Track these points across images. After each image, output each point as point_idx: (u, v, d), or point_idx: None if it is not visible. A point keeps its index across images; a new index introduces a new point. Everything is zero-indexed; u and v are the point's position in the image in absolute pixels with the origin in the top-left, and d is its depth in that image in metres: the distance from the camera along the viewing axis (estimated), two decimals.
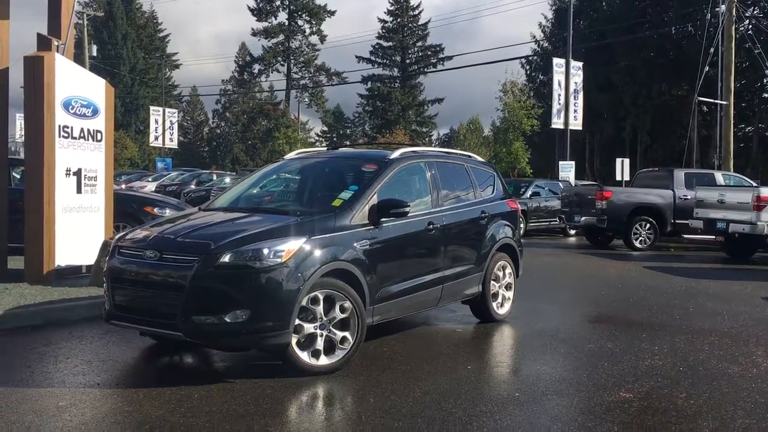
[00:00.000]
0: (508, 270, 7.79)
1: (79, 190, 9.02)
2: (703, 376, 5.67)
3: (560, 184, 21.64)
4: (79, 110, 9.00)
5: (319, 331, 5.41)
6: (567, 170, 25.14)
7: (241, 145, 69.52)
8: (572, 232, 20.88)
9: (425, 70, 72.37)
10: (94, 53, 50.70)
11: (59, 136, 8.66)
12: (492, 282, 7.50)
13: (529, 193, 20.50)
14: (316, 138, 77.91)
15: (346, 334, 5.53)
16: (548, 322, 7.73)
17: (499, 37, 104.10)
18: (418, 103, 74.64)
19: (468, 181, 7.48)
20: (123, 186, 27.90)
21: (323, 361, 5.44)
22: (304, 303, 5.29)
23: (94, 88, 9.29)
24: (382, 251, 5.96)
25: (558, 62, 26.48)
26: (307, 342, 5.38)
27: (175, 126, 43.63)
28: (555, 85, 26.27)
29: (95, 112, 9.27)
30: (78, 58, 49.60)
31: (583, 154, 44.41)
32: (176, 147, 48.70)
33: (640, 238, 16.92)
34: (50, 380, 5.20)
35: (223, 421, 4.37)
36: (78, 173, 8.99)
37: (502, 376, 5.73)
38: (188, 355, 6.03)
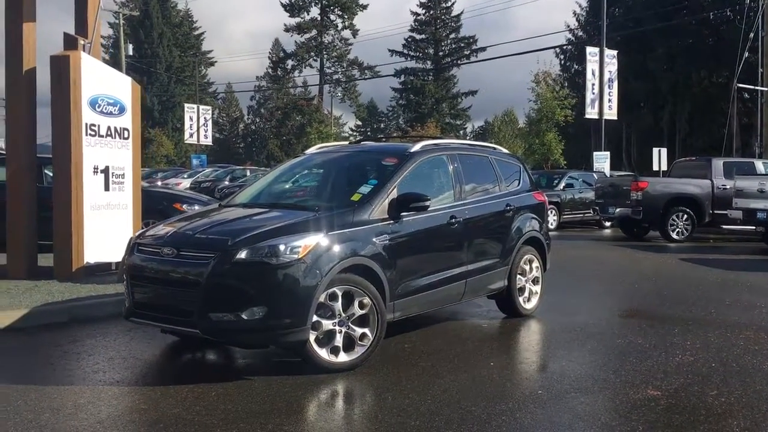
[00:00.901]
0: (535, 264, 7.64)
1: (107, 188, 9.08)
2: (736, 372, 5.47)
3: (594, 175, 21.27)
4: (106, 108, 9.05)
5: (337, 328, 5.34)
6: (602, 161, 24.73)
7: (276, 141, 69.78)
8: (607, 224, 20.53)
9: (458, 62, 71.97)
10: (130, 52, 51.35)
11: (86, 134, 8.72)
12: (518, 276, 7.36)
13: (562, 184, 20.19)
14: (351, 132, 77.99)
15: (366, 330, 5.46)
16: (577, 317, 7.56)
17: (532, 28, 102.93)
18: (451, 96, 74.25)
19: (492, 173, 7.34)
20: (159, 183, 28.25)
21: (342, 358, 5.37)
22: (322, 299, 5.23)
23: (120, 86, 9.33)
24: (402, 246, 5.87)
25: (591, 51, 26.02)
26: (326, 339, 5.32)
27: (209, 123, 44.00)
28: (588, 75, 25.82)
29: (122, 110, 9.32)
30: (115, 58, 50.46)
31: (620, 145, 43.72)
32: (211, 144, 49.13)
33: (677, 230, 16.54)
34: (71, 377, 5.23)
35: (238, 419, 4.33)
36: (105, 171, 9.05)
37: (525, 372, 5.59)
38: (209, 353, 6.01)
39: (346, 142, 8.13)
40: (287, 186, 6.83)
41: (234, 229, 5.42)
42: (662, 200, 16.52)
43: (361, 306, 5.44)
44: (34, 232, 8.92)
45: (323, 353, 5.29)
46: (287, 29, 64.50)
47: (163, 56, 69.76)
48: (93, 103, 8.87)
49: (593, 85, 25.61)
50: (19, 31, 8.64)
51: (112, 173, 9.16)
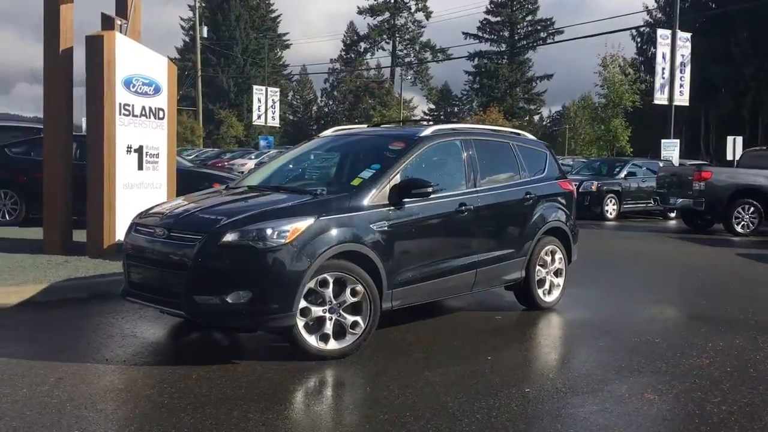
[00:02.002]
0: (558, 255, 7.33)
1: (140, 167, 9.22)
2: (750, 379, 5.10)
3: (660, 163, 20.44)
4: (141, 88, 9.17)
5: (328, 315, 5.23)
6: (671, 149, 23.72)
7: (348, 124, 70.21)
8: (672, 215, 19.72)
9: (534, 44, 70.53)
10: (205, 34, 52.36)
11: (120, 114, 8.86)
12: (538, 267, 7.08)
13: (623, 173, 19.48)
14: (423, 116, 77.58)
15: (358, 318, 5.33)
16: (600, 312, 7.25)
17: (612, 8, 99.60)
18: (525, 80, 73.08)
19: (513, 160, 7.07)
20: (226, 164, 28.77)
21: (332, 345, 5.26)
22: (312, 285, 5.14)
23: (156, 67, 9.44)
24: (403, 233, 5.71)
25: (663, 33, 24.88)
26: (316, 326, 5.22)
27: (277, 105, 44.45)
28: (659, 58, 24.70)
29: (157, 90, 9.43)
30: (193, 40, 51.41)
31: (697, 133, 41.98)
32: (278, 125, 49.70)
33: (743, 223, 15.70)
34: (65, 354, 5.26)
35: (208, 404, 4.29)
36: (139, 150, 9.18)
37: (519, 369, 5.32)
38: (209, 335, 6.00)
39: (364, 126, 7.95)
40: (294, 169, 6.75)
41: (225, 212, 5.36)
42: (727, 191, 15.69)
43: (354, 293, 5.31)
44: (69, 209, 9.14)
45: (312, 340, 5.20)
46: (360, 11, 64.57)
47: (240, 39, 70.84)
48: (127, 83, 8.99)
49: (663, 69, 24.51)
50: (56, 10, 8.82)
51: (146, 153, 9.29)
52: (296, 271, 5.01)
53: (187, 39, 68.09)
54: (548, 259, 7.22)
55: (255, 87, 45.13)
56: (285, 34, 78.28)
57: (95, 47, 8.67)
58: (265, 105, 41.69)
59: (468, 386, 4.77)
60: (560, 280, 7.39)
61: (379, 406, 4.39)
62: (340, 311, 5.28)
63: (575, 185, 18.43)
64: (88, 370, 4.88)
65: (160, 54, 9.72)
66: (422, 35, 67.13)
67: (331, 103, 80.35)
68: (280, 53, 77.04)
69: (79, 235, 9.24)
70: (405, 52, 67.92)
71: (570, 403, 4.52)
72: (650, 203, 19.20)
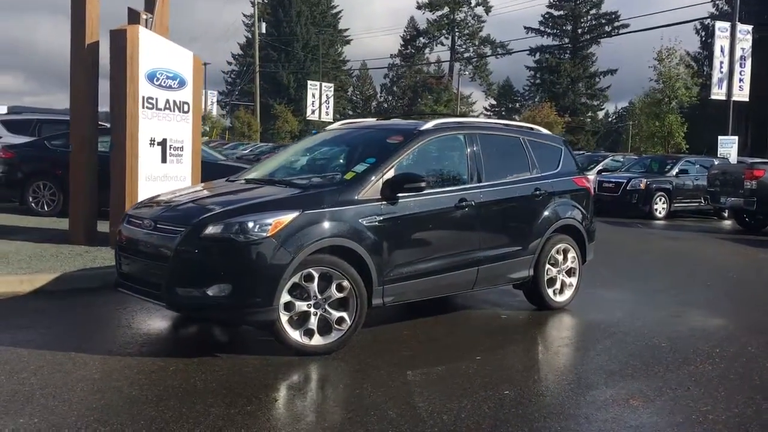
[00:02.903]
0: (571, 254, 7.09)
1: (164, 160, 9.32)
2: (750, 387, 4.82)
3: (715, 161, 19.67)
4: (165, 82, 9.27)
5: (312, 310, 5.16)
6: (728, 146, 22.78)
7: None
8: (726, 214, 18.96)
9: (598, 38, 68.95)
10: (264, 30, 53.00)
11: (143, 107, 8.96)
12: (548, 266, 6.86)
13: (675, 170, 18.80)
14: (485, 112, 76.79)
15: (344, 314, 5.25)
16: (613, 313, 6.97)
17: (678, 1, 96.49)
18: (588, 75, 71.47)
19: (523, 155, 6.86)
20: None
21: (317, 341, 5.19)
22: (296, 280, 5.08)
23: (181, 61, 9.52)
24: (395, 228, 5.59)
25: (721, 26, 23.90)
26: (300, 320, 5.16)
27: (331, 100, 44.68)
28: (717, 51, 23.73)
29: (182, 84, 9.52)
30: (254, 36, 52.11)
31: (763, 130, 40.25)
32: (331, 120, 50.00)
33: None
34: (54, 342, 5.31)
35: (173, 397, 4.27)
36: (163, 143, 9.28)
37: (506, 370, 5.09)
38: (206, 328, 5.98)
39: (373, 119, 7.85)
40: (296, 162, 6.70)
41: (210, 205, 5.36)
42: None
43: (340, 289, 5.23)
44: (93, 200, 9.33)
45: (296, 335, 5.14)
46: (419, 6, 64.27)
47: (300, 34, 71.41)
48: (151, 77, 9.10)
49: (722, 63, 23.56)
50: (82, 4, 8.99)
51: (170, 146, 9.39)
52: (277, 265, 4.95)
53: (249, 35, 68.95)
54: (560, 257, 6.99)
55: (309, 82, 45.50)
56: (345, 30, 78.56)
57: (118, 41, 8.80)
58: (319, 100, 41.96)
59: (446, 386, 4.64)
60: (573, 280, 7.14)
61: (346, 404, 4.31)
62: (326, 306, 5.21)
63: (622, 182, 18.16)
64: (70, 359, 4.92)
65: (188, 49, 9.79)
66: (482, 30, 66.43)
67: (390, 98, 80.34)
68: (340, 49, 77.36)
69: (106, 226, 9.42)
70: (464, 47, 67.32)
71: (546, 407, 4.35)
72: (702, 202, 18.52)
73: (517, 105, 78.99)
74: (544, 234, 6.76)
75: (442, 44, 66.68)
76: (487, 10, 65.26)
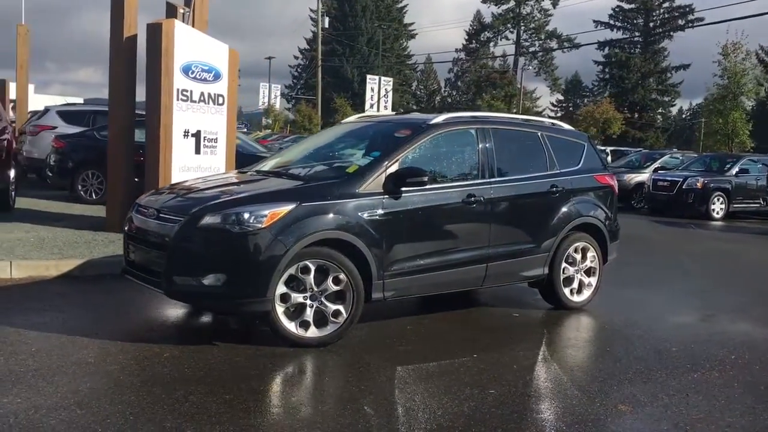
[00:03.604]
0: (591, 253, 6.91)
1: (197, 151, 9.49)
2: (754, 397, 4.61)
3: None
4: (200, 75, 9.43)
5: (309, 302, 5.18)
6: None
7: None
8: None
9: (671, 32, 66.84)
10: (326, 25, 53.38)
11: (177, 99, 9.14)
12: (565, 265, 6.70)
13: (735, 169, 18.10)
14: (551, 108, 75.58)
15: (340, 307, 5.25)
16: (632, 315, 6.76)
17: None
18: (659, 70, 69.39)
19: (540, 151, 6.71)
20: None
21: (312, 333, 5.21)
22: (293, 272, 5.11)
23: (216, 54, 9.66)
24: (397, 223, 5.55)
25: None
26: (296, 312, 5.19)
27: (390, 94, 44.70)
28: None
29: (217, 76, 9.67)
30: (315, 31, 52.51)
31: None
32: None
33: None
34: (63, 326, 5.45)
35: (160, 383, 4.35)
36: (197, 135, 9.45)
37: (499, 369, 4.93)
38: (213, 317, 6.06)
39: (391, 112, 7.81)
40: (308, 154, 6.69)
41: (211, 195, 5.43)
42: None
43: (336, 282, 5.23)
44: (130, 189, 9.57)
45: (291, 326, 5.17)
46: (484, 0, 63.57)
47: (365, 29, 71.64)
48: (186, 70, 9.27)
49: None
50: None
51: (204, 137, 9.55)
52: (272, 256, 4.98)
53: (315, 30, 69.64)
54: (578, 256, 6.82)
55: (368, 77, 45.65)
56: (411, 24, 78.42)
57: (154, 35, 8.99)
58: (378, 94, 42.08)
59: (432, 383, 4.59)
60: (592, 280, 6.96)
61: (324, 397, 4.33)
62: (322, 299, 5.22)
63: (678, 181, 17.58)
64: (72, 342, 5.07)
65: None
66: (548, 24, 65.28)
67: (454, 93, 79.89)
68: (405, 43, 77.27)
69: None
70: (529, 41, 66.33)
71: (528, 409, 4.26)
72: (762, 203, 17.80)
73: (585, 101, 77.41)
74: (560, 232, 6.61)
75: (507, 38, 65.91)
76: (554, 3, 64.13)
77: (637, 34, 69.92)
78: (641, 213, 18.80)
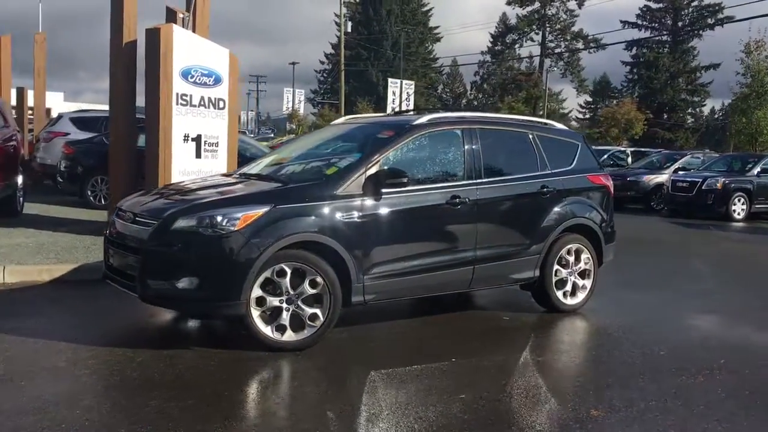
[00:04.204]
0: (585, 255, 6.75)
1: (198, 155, 9.49)
2: (736, 405, 4.44)
3: None
4: (200, 79, 9.43)
5: (285, 305, 5.12)
6: None
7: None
8: None
9: (700, 30, 65.83)
10: (349, 29, 53.50)
11: (177, 104, 9.15)
12: (557, 267, 6.56)
13: (757, 169, 17.67)
14: (579, 109, 74.84)
15: (317, 311, 5.18)
16: (628, 318, 6.60)
17: None
18: (689, 70, 68.32)
19: (530, 151, 6.58)
20: None
21: (289, 337, 5.14)
22: (268, 275, 5.05)
23: (216, 58, 9.66)
24: (377, 225, 5.47)
25: None
26: (273, 316, 5.13)
27: (412, 97, 44.61)
28: None
29: (217, 81, 9.66)
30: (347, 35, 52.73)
31: None
32: None
33: None
34: (43, 330, 5.43)
35: (124, 388, 4.33)
36: (197, 139, 9.44)
37: (474, 375, 4.81)
38: (195, 321, 6.01)
39: (379, 114, 7.73)
40: (294, 157, 6.64)
41: (187, 198, 5.40)
42: None
43: (313, 285, 5.16)
44: (131, 192, 9.60)
45: (267, 330, 5.11)
46: (509, 2, 63.18)
47: (390, 33, 71.70)
48: (185, 74, 9.28)
49: None
50: (120, 5, 9.27)
51: (205, 141, 9.55)
52: (245, 259, 4.93)
53: (338, 34, 69.92)
54: (571, 258, 6.67)
55: (390, 80, 45.61)
56: (436, 28, 78.32)
57: (153, 40, 9.02)
58: (400, 98, 42.02)
59: (402, 388, 4.50)
60: (587, 282, 6.80)
61: (289, 401, 4.27)
62: (298, 302, 5.15)
63: (697, 181, 17.22)
64: (48, 347, 5.06)
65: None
66: (574, 25, 64.58)
67: (480, 96, 79.52)
68: (430, 46, 77.18)
69: None
70: (555, 43, 65.70)
71: (494, 415, 4.14)
72: None
73: (614, 101, 76.50)
74: (551, 233, 6.47)
75: (532, 40, 65.34)
76: (580, 3, 63.46)
77: (665, 33, 68.98)
78: (660, 215, 18.46)
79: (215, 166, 9.71)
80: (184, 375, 4.60)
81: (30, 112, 18.21)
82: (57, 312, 6.12)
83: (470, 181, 6.03)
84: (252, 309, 5.04)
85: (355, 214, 5.36)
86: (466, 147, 6.13)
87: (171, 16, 9.57)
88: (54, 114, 17.48)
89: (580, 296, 6.77)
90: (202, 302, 5.01)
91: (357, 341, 5.54)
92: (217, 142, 9.71)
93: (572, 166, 6.83)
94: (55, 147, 14.01)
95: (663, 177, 19.25)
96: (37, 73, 17.33)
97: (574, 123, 72.78)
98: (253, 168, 6.55)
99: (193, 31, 9.83)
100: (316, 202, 5.26)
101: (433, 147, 6.07)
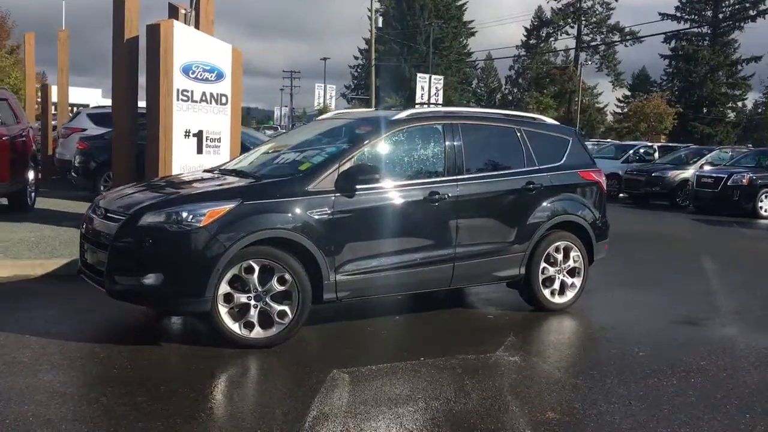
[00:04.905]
0: (574, 253, 6.59)
1: (199, 151, 9.51)
2: (702, 408, 4.28)
3: None
4: (201, 75, 9.45)
5: (253, 302, 5.09)
6: None
7: (538, 112, 68.21)
8: None
9: (741, 23, 64.29)
10: (380, 25, 53.42)
11: (177, 100, 9.18)
12: (544, 265, 6.41)
13: None
14: (617, 104, 73.63)
15: (286, 308, 5.14)
16: (616, 317, 6.49)
17: None
18: (729, 63, 66.78)
19: (515, 146, 6.43)
20: None
21: (257, 334, 5.11)
22: (236, 271, 5.03)
23: (218, 54, 9.66)
24: (350, 221, 5.40)
25: None
26: (241, 312, 5.10)
27: (441, 93, 44.32)
28: None
29: (219, 76, 9.67)
30: (380, 30, 52.74)
31: None
32: None
33: None
34: (19, 325, 5.42)
35: (80, 384, 4.34)
36: (199, 135, 9.47)
37: (440, 374, 4.74)
38: (173, 318, 5.98)
39: (369, 109, 7.64)
40: (271, 152, 6.57)
41: (157, 194, 5.40)
42: None
43: (281, 282, 5.12)
44: None
45: (235, 327, 5.08)
46: None
47: (423, 28, 71.36)
48: (186, 70, 9.30)
49: None
50: (121, 2, 9.33)
51: (207, 137, 9.57)
52: (210, 255, 4.91)
53: (372, 30, 69.86)
54: (559, 256, 6.52)
55: (419, 75, 45.42)
56: (470, 22, 77.74)
57: (153, 36, 9.06)
58: (428, 93, 41.81)
59: (361, 387, 4.43)
60: (576, 281, 6.64)
61: (242, 400, 4.24)
62: (266, 299, 5.11)
63: (723, 177, 16.78)
64: (17, 341, 5.05)
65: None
66: (610, 17, 63.59)
67: (515, 90, 78.79)
68: (465, 41, 76.64)
69: None
70: (591, 36, 64.79)
71: (445, 416, 4.04)
72: None
73: (654, 95, 75.05)
74: (537, 231, 6.33)
75: (567, 33, 64.47)
76: None
77: (705, 25, 67.51)
78: (686, 211, 18.05)
79: (217, 161, 9.68)
80: (144, 372, 4.59)
81: (54, 108, 18.49)
82: (38, 306, 6.16)
83: (450, 178, 5.93)
84: (219, 305, 5.02)
85: (327, 210, 5.30)
86: (447, 143, 6.02)
87: (173, 12, 9.61)
88: (63, 110, 17.68)
89: (570, 295, 6.62)
90: (167, 298, 5.00)
91: (328, 339, 5.49)
92: (220, 138, 9.71)
93: (562, 161, 6.68)
94: (72, 143, 14.20)
95: (689, 173, 18.82)
96: (61, 69, 17.62)
97: (610, 117, 71.74)
98: (234, 163, 6.53)
99: (197, 27, 9.86)
100: (286, 198, 5.22)
101: (413, 143, 5.97)
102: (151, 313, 6.02)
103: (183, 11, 9.63)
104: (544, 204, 6.40)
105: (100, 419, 3.81)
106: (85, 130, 14.42)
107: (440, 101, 41.78)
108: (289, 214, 5.18)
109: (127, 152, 9.62)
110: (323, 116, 7.10)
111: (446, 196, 5.83)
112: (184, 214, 4.95)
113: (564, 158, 6.70)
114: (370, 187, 5.46)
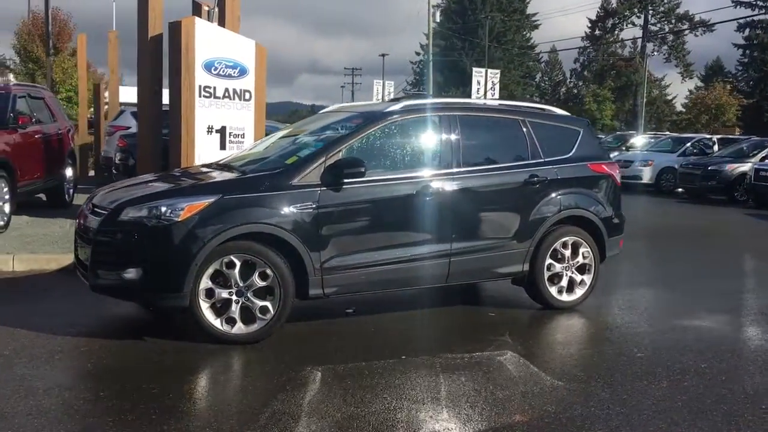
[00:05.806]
0: (584, 249, 6.31)
1: (222, 147, 9.55)
2: (686, 413, 4.00)
3: None
4: (224, 71, 9.49)
5: (234, 298, 5.03)
6: None
7: (595, 105, 66.60)
8: None
9: None
10: (438, 19, 53.03)
11: (200, 96, 9.25)
12: (550, 261, 6.16)
13: None
14: (688, 95, 71.18)
15: (268, 303, 5.07)
16: (624, 317, 6.22)
17: None
18: None
19: (519, 138, 6.18)
20: None
21: (239, 329, 5.06)
22: (218, 266, 4.98)
23: (241, 50, 9.69)
24: (337, 216, 5.29)
25: None
26: (223, 308, 5.05)
27: (497, 87, 43.56)
28: None
29: (243, 72, 9.70)
30: (440, 25, 52.44)
31: None
32: None
33: None
34: (19, 318, 5.52)
35: (47, 379, 4.33)
36: (222, 131, 9.52)
37: (418, 373, 4.57)
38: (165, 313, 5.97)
39: (370, 102, 7.48)
40: (267, 147, 6.49)
41: (141, 190, 5.39)
42: None
43: (263, 277, 5.05)
44: None
45: (216, 323, 5.04)
46: None
47: (484, 21, 70.58)
48: (209, 66, 9.35)
49: None
50: (145, 1, 9.44)
51: (230, 133, 9.61)
52: (186, 251, 4.87)
53: (435, 25, 69.50)
54: (567, 252, 6.25)
55: (474, 69, 44.70)
56: (534, 15, 76.47)
57: (175, 33, 9.14)
58: (484, 87, 41.22)
59: (332, 386, 4.32)
60: (586, 278, 6.36)
61: (208, 396, 4.23)
62: (248, 295, 5.05)
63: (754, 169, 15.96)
64: (11, 334, 5.12)
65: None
66: (679, 6, 61.36)
67: (580, 83, 77.10)
68: (528, 34, 75.42)
69: None
70: (658, 26, 62.72)
71: (412, 417, 3.88)
72: None
73: (728, 86, 72.24)
74: (542, 225, 6.08)
75: (633, 24, 62.60)
76: None
77: None
78: (744, 206, 17.23)
79: None
80: (121, 367, 4.59)
81: (105, 107, 18.98)
82: (45, 300, 6.27)
83: (446, 171, 5.74)
84: (201, 301, 4.99)
85: (312, 204, 5.20)
86: (443, 135, 5.84)
87: (196, 9, 9.67)
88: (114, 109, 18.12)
89: (579, 292, 6.34)
90: (147, 293, 5.00)
91: (313, 335, 5.39)
92: (243, 134, 9.73)
93: (571, 154, 6.39)
94: (115, 140, 14.52)
95: (748, 166, 17.96)
96: (111, 69, 18.06)
97: (682, 110, 69.39)
98: (229, 158, 6.50)
99: (222, 24, 9.91)
100: (269, 192, 5.14)
101: (406, 135, 5.81)
102: (144, 308, 6.05)
103: (206, 8, 9.68)
104: (550, 198, 6.14)
105: (55, 413, 3.80)
106: (128, 128, 14.71)
107: (496, 96, 41.19)
108: (272, 209, 5.10)
109: (151, 148, 9.74)
110: (326, 109, 7.00)
111: (441, 189, 5.65)
112: (163, 209, 4.93)
113: (573, 150, 6.42)
114: (358, 180, 5.33)
